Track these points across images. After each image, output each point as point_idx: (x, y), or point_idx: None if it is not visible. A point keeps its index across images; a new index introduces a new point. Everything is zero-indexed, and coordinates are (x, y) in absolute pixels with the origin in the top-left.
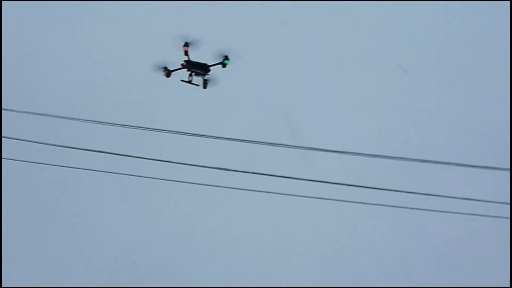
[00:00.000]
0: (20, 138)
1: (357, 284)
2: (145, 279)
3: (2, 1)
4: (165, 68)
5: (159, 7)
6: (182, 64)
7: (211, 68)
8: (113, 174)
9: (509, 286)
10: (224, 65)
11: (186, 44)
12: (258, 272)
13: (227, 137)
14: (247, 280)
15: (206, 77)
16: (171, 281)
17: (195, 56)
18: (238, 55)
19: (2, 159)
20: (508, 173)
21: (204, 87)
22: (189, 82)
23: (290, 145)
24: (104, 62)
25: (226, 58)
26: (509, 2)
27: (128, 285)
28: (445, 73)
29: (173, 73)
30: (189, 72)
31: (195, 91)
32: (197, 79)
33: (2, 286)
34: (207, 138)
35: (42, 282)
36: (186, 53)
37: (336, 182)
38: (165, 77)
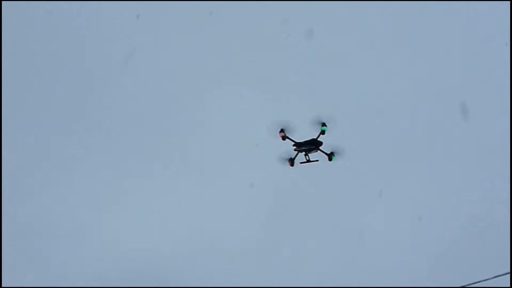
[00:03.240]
0: None
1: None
2: None
3: None
4: (290, 159)
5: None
6: (294, 149)
7: (319, 139)
8: None
9: (509, 286)
10: (323, 132)
11: (282, 130)
12: None
13: None
14: None
15: (328, 151)
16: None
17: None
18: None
19: None
20: None
21: (330, 159)
22: (308, 161)
23: None
24: None
25: (323, 124)
26: (509, 2)
27: None
28: None
29: (294, 159)
30: (303, 153)
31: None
32: (314, 155)
33: (2, 286)
34: None
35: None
36: (284, 138)
37: None
38: (291, 167)
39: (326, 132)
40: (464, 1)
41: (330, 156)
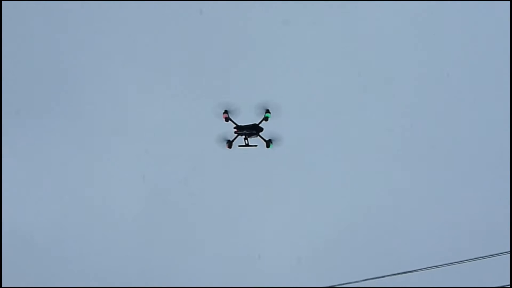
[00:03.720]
0: None
1: None
2: None
3: None
4: (228, 140)
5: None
6: (234, 132)
7: (261, 125)
8: None
9: (509, 286)
10: (266, 119)
11: (226, 112)
12: None
13: None
14: None
15: (266, 138)
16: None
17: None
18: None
19: None
20: None
21: (268, 146)
22: (247, 145)
23: None
24: None
25: (267, 111)
26: (509, 2)
27: None
28: None
29: (233, 142)
30: (243, 136)
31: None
32: (253, 140)
33: (2, 286)
34: None
35: None
36: (227, 120)
37: None
38: (228, 149)
39: (269, 118)
40: (464, 1)
41: (268, 143)
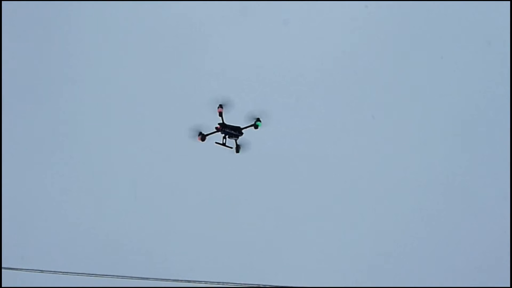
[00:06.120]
0: None
1: None
2: None
3: None
4: (200, 133)
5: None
6: (216, 128)
7: (243, 130)
8: None
9: (509, 286)
10: (256, 127)
11: (221, 106)
12: None
13: None
14: None
15: (238, 142)
16: None
17: (227, 118)
18: (270, 117)
19: None
20: None
21: (237, 151)
22: (223, 144)
23: None
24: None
25: (258, 120)
26: (509, 2)
27: None
28: None
29: (207, 136)
30: (223, 135)
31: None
32: (231, 142)
33: (2, 286)
34: None
35: None
36: (220, 114)
37: None
38: (200, 141)
39: (259, 127)
40: (464, 1)
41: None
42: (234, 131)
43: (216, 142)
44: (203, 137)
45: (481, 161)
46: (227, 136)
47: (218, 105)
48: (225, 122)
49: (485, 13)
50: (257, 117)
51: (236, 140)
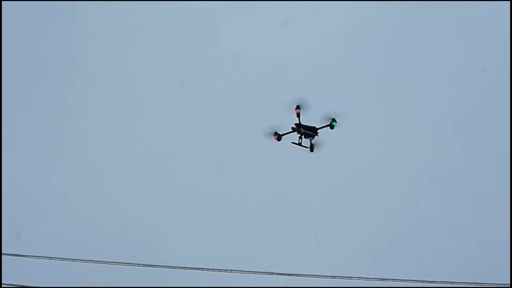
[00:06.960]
0: None
1: None
2: None
3: None
4: (276, 133)
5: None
6: (292, 128)
7: (319, 130)
8: None
9: (509, 286)
10: (332, 127)
11: (298, 107)
12: None
13: None
14: None
15: (313, 141)
16: None
17: (304, 119)
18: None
19: None
20: None
21: (311, 150)
22: (299, 144)
23: None
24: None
25: (333, 120)
26: (509, 2)
27: None
28: None
29: (283, 136)
30: (299, 135)
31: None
32: (306, 141)
33: (2, 286)
34: None
35: None
36: (298, 115)
37: None
38: (276, 141)
39: (335, 128)
40: (464, 1)
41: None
42: (310, 131)
43: (292, 142)
44: (279, 136)
45: (481, 158)
46: (303, 136)
47: (296, 106)
48: (301, 122)
49: (485, 13)
50: (333, 117)
51: (311, 140)
